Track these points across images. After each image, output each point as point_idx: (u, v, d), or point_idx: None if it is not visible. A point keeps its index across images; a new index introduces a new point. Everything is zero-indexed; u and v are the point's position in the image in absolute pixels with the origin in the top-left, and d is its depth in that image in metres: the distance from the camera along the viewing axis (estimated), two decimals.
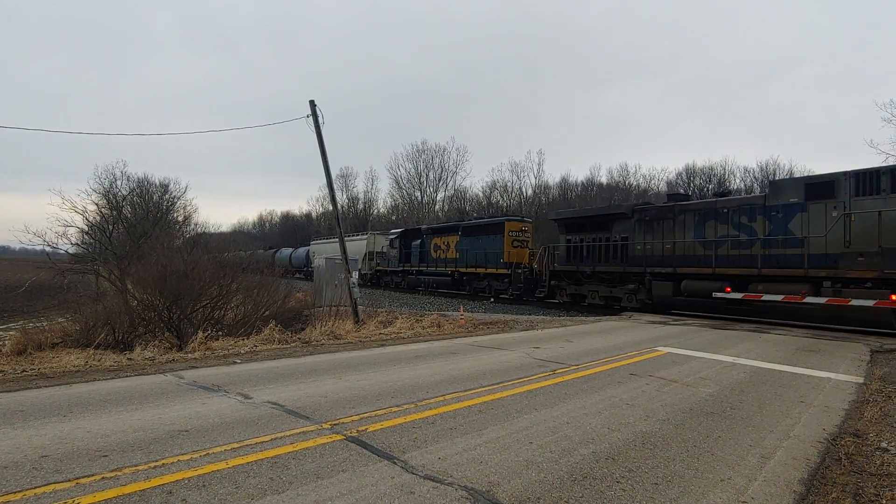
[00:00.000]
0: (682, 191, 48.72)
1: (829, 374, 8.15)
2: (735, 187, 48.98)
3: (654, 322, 15.37)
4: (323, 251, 38.98)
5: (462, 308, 19.12)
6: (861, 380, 7.77)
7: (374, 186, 74.86)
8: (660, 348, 10.21)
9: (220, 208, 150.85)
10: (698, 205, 17.31)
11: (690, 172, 54.63)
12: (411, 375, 7.38)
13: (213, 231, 66.15)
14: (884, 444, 4.88)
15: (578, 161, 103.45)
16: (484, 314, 18.57)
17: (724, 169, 52.93)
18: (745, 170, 52.42)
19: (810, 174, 21.28)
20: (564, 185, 61.78)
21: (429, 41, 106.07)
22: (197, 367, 7.91)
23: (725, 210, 16.16)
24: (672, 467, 4.11)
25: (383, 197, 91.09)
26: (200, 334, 11.30)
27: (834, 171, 14.09)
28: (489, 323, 15.05)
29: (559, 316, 18.56)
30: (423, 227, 34.23)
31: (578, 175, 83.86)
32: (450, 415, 5.39)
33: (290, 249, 54.96)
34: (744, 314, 16.41)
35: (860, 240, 13.09)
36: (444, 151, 65.19)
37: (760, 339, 11.97)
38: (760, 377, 7.76)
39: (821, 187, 14.04)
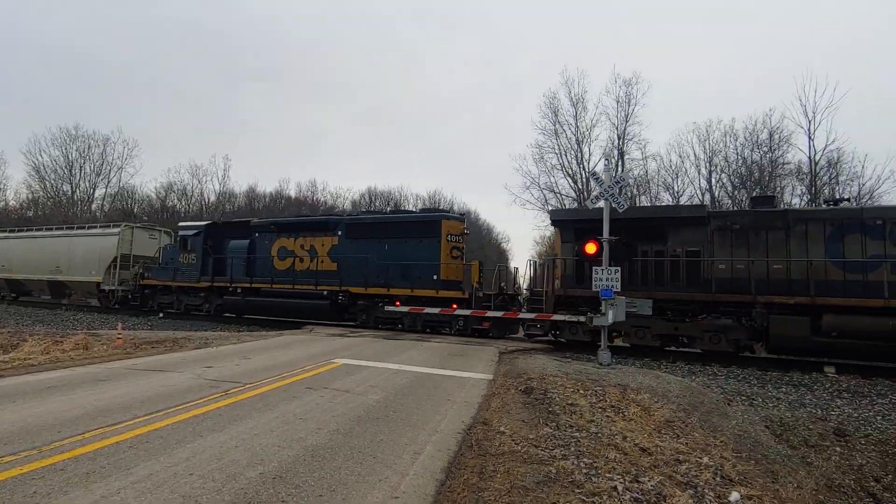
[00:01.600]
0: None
1: (471, 373, 9.79)
2: (407, 209, 55.32)
3: (333, 335, 16.00)
4: None
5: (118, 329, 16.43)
6: (491, 377, 9.56)
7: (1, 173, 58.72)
8: (336, 360, 10.65)
9: None
10: (830, 213, 13.25)
11: (372, 194, 59.40)
12: (39, 413, 5.94)
13: None
14: (502, 429, 6.07)
15: (268, 173, 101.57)
16: (150, 331, 16.34)
17: (401, 194, 59.19)
18: (417, 196, 59.59)
19: None
20: (252, 195, 59.79)
21: (115, 16, 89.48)
22: None
23: (879, 223, 12.35)
24: (338, 476, 4.28)
25: (14, 186, 72.32)
26: None
27: None
28: (155, 342, 13.32)
29: (239, 331, 17.67)
30: (255, 220, 23.11)
31: (267, 186, 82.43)
32: (88, 456, 4.51)
33: None
34: None
35: None
36: (106, 141, 55.63)
37: (423, 347, 13.63)
38: (420, 381, 8.82)
39: None
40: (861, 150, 48.40)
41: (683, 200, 31.88)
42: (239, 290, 20.63)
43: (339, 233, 19.17)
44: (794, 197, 28.66)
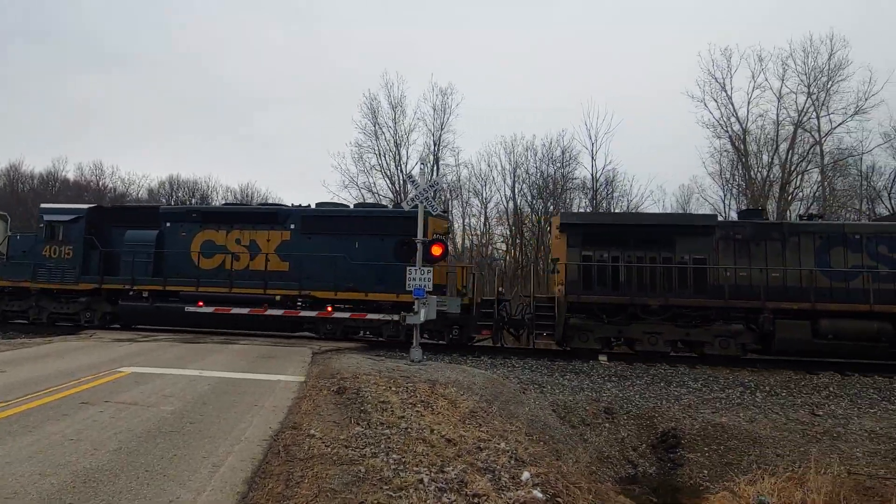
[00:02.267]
0: (166, 200, 47.22)
1: (281, 376, 9.37)
2: (218, 203, 51.04)
3: (120, 340, 14.06)
4: None
5: None
6: (303, 378, 9.26)
7: None
8: (123, 369, 9.38)
9: None
10: (820, 227, 14.65)
11: (175, 183, 53.68)
12: None
13: None
14: (313, 432, 5.91)
15: (38, 149, 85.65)
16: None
17: (208, 185, 54.46)
18: (227, 188, 55.46)
19: None
20: (14, 175, 49.80)
21: None
22: None
23: (859, 237, 13.97)
24: (116, 503, 3.75)
25: None
26: None
27: None
28: None
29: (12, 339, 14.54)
30: (166, 207, 19.06)
31: (36, 165, 69.30)
32: None
33: None
34: None
35: None
36: None
37: (229, 350, 12.68)
38: (224, 387, 8.17)
39: None
40: (631, 171, 57.26)
41: (490, 206, 34.54)
42: (145, 295, 16.16)
43: (292, 226, 16.11)
44: (580, 209, 32.93)
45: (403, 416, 7.06)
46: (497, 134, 60.03)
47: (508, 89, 65.43)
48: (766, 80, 30.53)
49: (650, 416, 10.21)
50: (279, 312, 15.14)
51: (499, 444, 6.81)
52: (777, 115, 29.95)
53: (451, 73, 55.32)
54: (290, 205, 17.11)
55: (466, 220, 35.03)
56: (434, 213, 12.09)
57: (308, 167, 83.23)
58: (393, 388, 8.53)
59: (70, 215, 16.94)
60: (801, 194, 30.18)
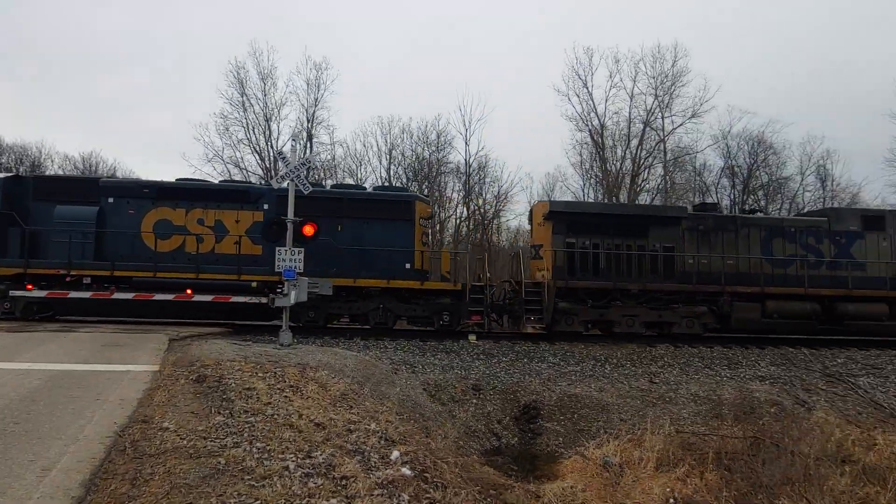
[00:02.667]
0: None
1: (130, 366, 8.53)
2: (54, 172, 44.81)
3: None
4: None
5: None
6: (157, 367, 8.52)
7: None
8: None
9: None
10: (765, 220, 16.77)
11: None
12: None
13: None
14: (166, 424, 5.47)
15: None
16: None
17: (40, 151, 47.55)
18: (66, 157, 48.90)
19: (863, 207, 22.88)
20: None
21: None
22: None
23: (793, 230, 16.02)
24: None
25: None
26: None
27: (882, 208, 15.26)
28: None
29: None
30: (107, 179, 16.18)
31: None
32: None
33: None
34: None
35: None
36: None
37: (67, 339, 11.28)
38: (59, 380, 7.26)
39: (874, 220, 16.41)
40: (502, 158, 59.72)
41: (366, 188, 34.07)
42: (87, 282, 13.83)
43: (266, 207, 14.59)
44: (454, 192, 33.76)
45: (270, 403, 6.80)
46: (373, 114, 59.17)
47: (385, 69, 64.75)
48: (622, 80, 33.33)
49: (514, 390, 10.84)
50: (208, 298, 13.71)
51: (369, 425, 6.82)
52: (630, 113, 32.88)
53: (327, 47, 53.34)
54: (258, 183, 15.31)
55: None
56: (306, 192, 11.61)
57: (164, 137, 75.93)
58: (260, 374, 8.16)
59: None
60: (648, 186, 33.59)
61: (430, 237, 16.70)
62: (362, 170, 34.09)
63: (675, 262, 15.30)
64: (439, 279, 15.26)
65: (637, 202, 31.04)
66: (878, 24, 62.78)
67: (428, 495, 5.20)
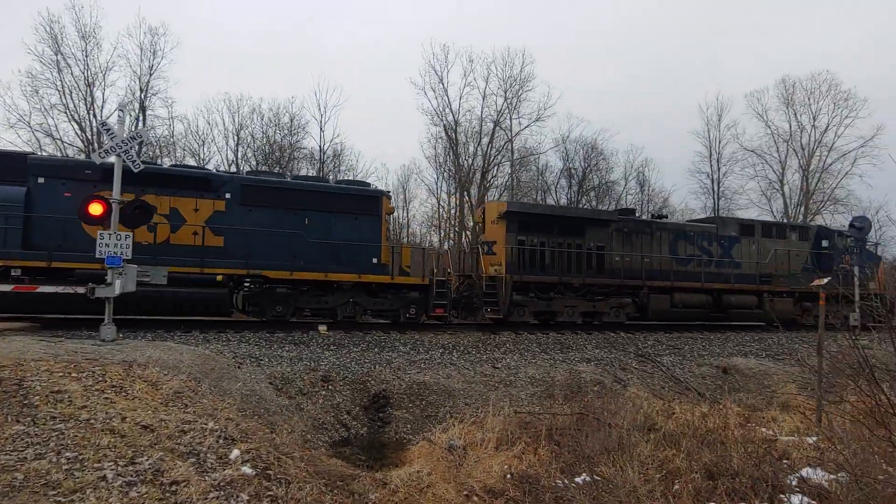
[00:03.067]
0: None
1: None
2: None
3: None
4: None
5: None
6: None
7: None
8: None
9: None
10: (671, 225, 19.54)
11: None
12: None
13: None
14: None
15: None
16: None
17: None
18: None
19: (741, 217, 25.25)
20: None
21: None
22: None
23: (692, 234, 18.92)
24: None
25: None
26: None
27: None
28: None
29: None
30: (38, 156, 13.83)
31: None
32: None
33: None
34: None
35: (769, 266, 19.41)
36: None
37: None
38: None
39: (747, 228, 19.93)
40: (358, 146, 58.93)
41: (210, 168, 31.49)
42: (16, 274, 11.82)
43: (228, 196, 13.80)
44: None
45: (87, 406, 6.03)
46: (220, 90, 54.75)
47: (235, 45, 60.30)
48: (475, 80, 34.82)
49: (364, 380, 10.83)
50: (7, 288, 11.41)
51: (206, 424, 6.37)
52: (482, 112, 34.47)
53: (167, 11, 48.05)
54: (215, 170, 14.65)
55: None
56: (136, 170, 10.39)
57: None
58: (74, 374, 7.18)
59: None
60: (497, 182, 35.54)
61: (389, 233, 17.07)
62: (206, 149, 31.53)
63: (605, 260, 17.35)
64: (398, 273, 15.32)
65: (486, 197, 32.67)
66: (690, 47, 72.97)
67: (270, 493, 5.00)
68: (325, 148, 31.94)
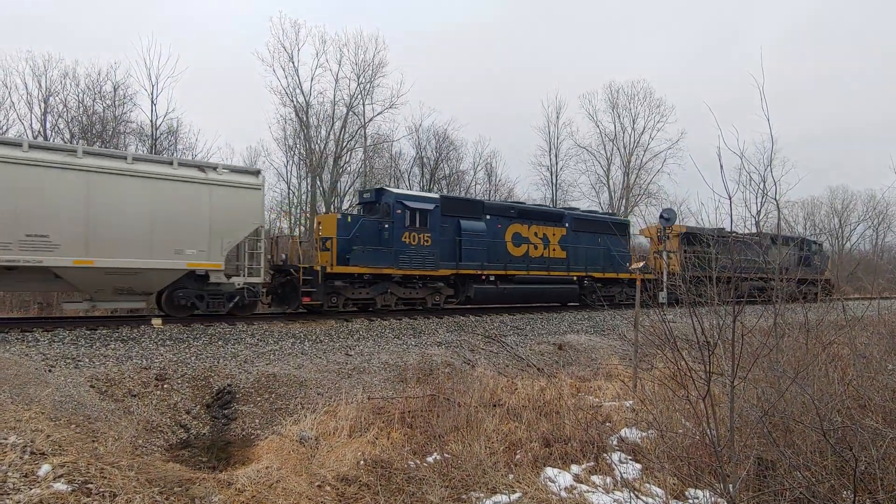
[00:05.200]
0: None
1: None
2: None
3: None
4: None
5: None
6: None
7: None
8: None
9: None
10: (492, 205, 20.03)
11: None
12: None
13: None
14: None
15: None
16: None
17: None
18: None
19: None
20: None
21: None
22: None
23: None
24: None
25: None
26: None
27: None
28: None
29: None
30: (489, 202, 20.56)
31: None
32: None
33: None
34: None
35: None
36: None
37: None
38: None
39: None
40: (198, 123, 54.34)
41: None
42: (491, 279, 18.04)
43: (566, 225, 20.74)
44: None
45: None
46: (20, 47, 46.34)
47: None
48: (328, 61, 33.81)
49: (206, 376, 10.07)
50: None
51: (7, 438, 5.47)
52: (334, 95, 33.60)
53: None
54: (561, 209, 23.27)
55: None
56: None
57: None
58: None
59: (430, 203, 17.21)
60: (349, 168, 34.99)
61: None
62: (2, 116, 26.70)
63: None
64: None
65: (340, 183, 32.01)
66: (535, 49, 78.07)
67: None
68: (158, 123, 28.77)
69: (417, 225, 16.38)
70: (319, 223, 16.85)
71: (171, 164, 12.90)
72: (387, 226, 16.04)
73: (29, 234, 10.91)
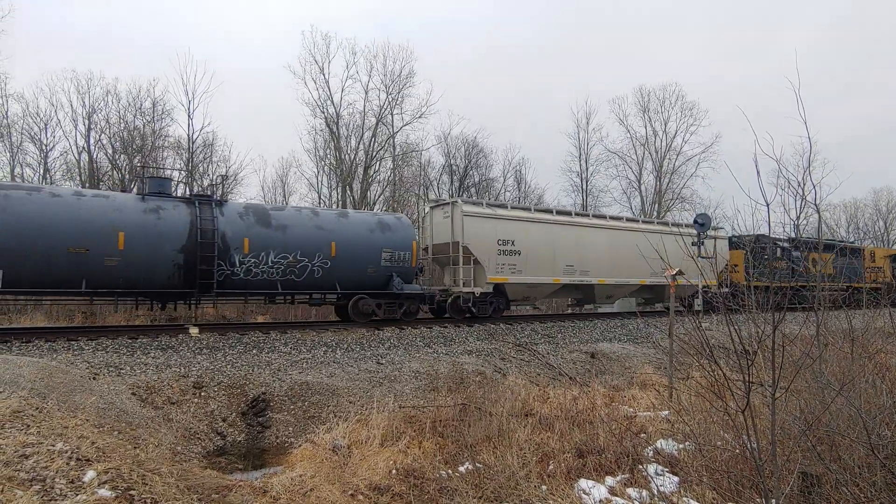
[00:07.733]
0: None
1: None
2: None
3: None
4: None
5: None
6: None
7: None
8: None
9: None
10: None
11: None
12: None
13: None
14: None
15: None
16: None
17: None
18: None
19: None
20: None
21: None
22: None
23: None
24: None
25: None
26: None
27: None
28: None
29: None
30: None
31: None
32: None
33: None
34: None
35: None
36: None
37: None
38: None
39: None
40: (232, 136, 55.52)
41: (55, 156, 28.00)
42: None
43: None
44: (174, 171, 30.04)
45: None
46: (65, 67, 48.55)
47: (85, 18, 53.90)
48: (357, 73, 34.30)
49: (241, 384, 10.28)
50: None
51: (54, 445, 5.68)
52: (364, 106, 34.08)
53: None
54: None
55: (17, 171, 27.54)
56: None
57: None
58: None
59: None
60: (379, 177, 35.36)
61: None
62: (49, 134, 27.94)
63: None
64: None
65: (370, 192, 32.36)
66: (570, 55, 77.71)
67: None
68: (195, 137, 29.65)
69: None
70: None
71: (651, 222, 22.30)
72: None
73: (568, 265, 18.87)
